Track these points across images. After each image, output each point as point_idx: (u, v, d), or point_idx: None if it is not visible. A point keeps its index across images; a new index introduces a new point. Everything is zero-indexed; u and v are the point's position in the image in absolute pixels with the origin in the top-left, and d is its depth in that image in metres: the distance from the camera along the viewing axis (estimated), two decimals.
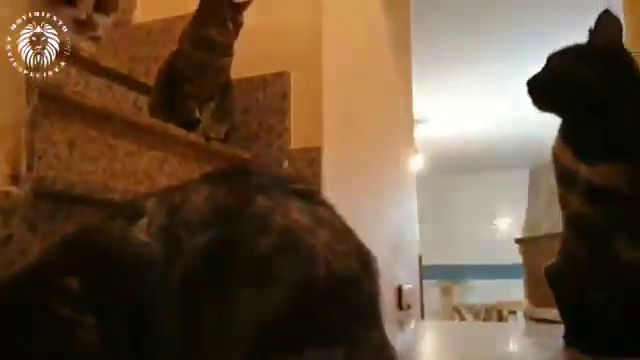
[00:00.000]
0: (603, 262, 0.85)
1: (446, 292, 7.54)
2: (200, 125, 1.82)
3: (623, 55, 0.87)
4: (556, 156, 0.91)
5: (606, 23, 0.87)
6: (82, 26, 1.53)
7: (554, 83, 0.87)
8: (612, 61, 0.86)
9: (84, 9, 1.50)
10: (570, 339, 0.94)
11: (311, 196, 0.88)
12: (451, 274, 7.52)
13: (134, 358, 0.78)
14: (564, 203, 0.89)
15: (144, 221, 0.82)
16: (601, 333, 0.85)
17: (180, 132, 1.72)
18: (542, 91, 0.89)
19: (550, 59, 0.90)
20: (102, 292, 0.76)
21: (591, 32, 0.88)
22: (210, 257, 0.77)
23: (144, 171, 1.60)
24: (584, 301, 0.89)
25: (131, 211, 0.85)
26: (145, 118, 1.65)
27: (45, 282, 0.74)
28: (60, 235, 0.91)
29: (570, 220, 0.89)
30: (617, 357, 0.79)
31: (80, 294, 0.74)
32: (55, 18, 1.45)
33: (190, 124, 1.79)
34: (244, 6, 1.81)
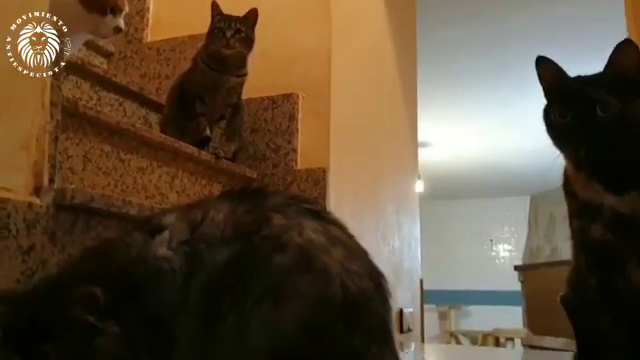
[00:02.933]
0: (616, 288, 0.87)
1: (443, 317, 7.53)
2: (210, 143, 1.85)
3: None
4: (574, 191, 0.93)
5: (624, 50, 0.89)
6: (119, 34, 1.58)
7: (584, 119, 0.88)
8: (633, 89, 0.87)
9: (124, 18, 1.55)
10: None
11: (324, 215, 0.91)
12: (449, 299, 7.51)
13: None
14: (582, 234, 0.91)
15: (165, 235, 0.84)
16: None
17: (191, 150, 1.75)
18: (568, 127, 0.90)
19: (568, 92, 0.92)
20: (125, 302, 0.78)
21: (610, 61, 0.90)
22: (229, 273, 0.79)
23: (155, 187, 1.63)
24: (595, 328, 0.91)
25: (151, 225, 0.87)
26: (157, 135, 1.68)
27: (70, 291, 0.76)
28: (81, 247, 0.94)
29: (587, 248, 0.91)
30: None
31: (104, 303, 0.76)
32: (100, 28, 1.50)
33: (201, 142, 1.82)
34: (251, 20, 1.83)
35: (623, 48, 0.89)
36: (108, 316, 0.77)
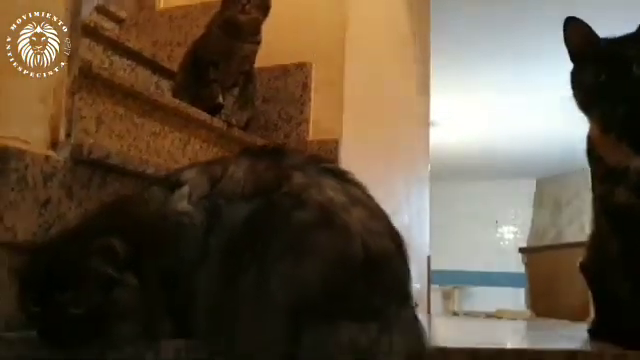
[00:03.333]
0: (637, 252, 0.86)
1: (447, 297, 7.55)
2: (223, 111, 1.83)
3: None
4: (599, 155, 0.91)
5: None
6: None
7: (620, 78, 0.86)
8: None
9: None
10: (597, 332, 0.95)
11: (344, 176, 0.90)
12: (453, 279, 7.52)
13: (172, 319, 0.79)
14: (607, 198, 0.90)
15: (185, 190, 0.83)
16: (630, 325, 0.85)
17: (204, 116, 1.73)
18: (600, 87, 0.88)
19: (603, 52, 0.89)
20: (144, 256, 0.78)
21: None
22: (249, 228, 0.79)
23: (168, 152, 1.61)
24: (614, 294, 0.90)
25: (171, 181, 0.86)
26: (171, 99, 1.66)
27: (89, 243, 0.75)
28: (97, 203, 0.93)
29: (612, 212, 0.90)
30: None
31: (123, 256, 0.75)
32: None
33: (213, 109, 1.80)
34: None
35: None
36: (126, 268, 0.76)
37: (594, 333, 0.95)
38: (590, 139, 0.95)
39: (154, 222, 0.81)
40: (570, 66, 0.95)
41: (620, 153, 0.88)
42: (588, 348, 0.83)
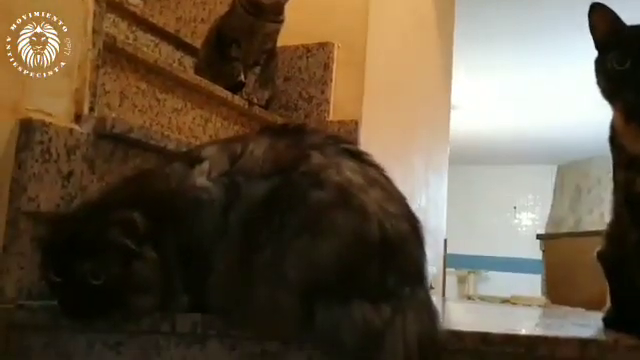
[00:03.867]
0: None
1: (462, 281, 7.55)
2: (244, 89, 1.84)
3: None
4: (621, 143, 0.90)
5: None
6: None
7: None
8: None
9: None
10: (611, 321, 0.94)
11: (362, 157, 0.90)
12: (469, 264, 7.51)
13: (189, 294, 0.81)
14: (627, 186, 0.89)
15: (204, 166, 0.84)
16: None
17: (225, 94, 1.74)
18: (625, 74, 0.87)
19: (630, 39, 0.88)
20: (163, 230, 0.79)
21: None
22: (267, 206, 0.79)
23: (189, 128, 1.63)
24: (630, 283, 0.89)
25: (191, 157, 0.87)
26: (193, 76, 1.67)
27: (109, 215, 0.77)
28: (120, 175, 0.94)
29: (632, 201, 0.89)
30: None
31: (142, 229, 0.77)
32: None
33: (235, 87, 1.81)
34: None
35: None
36: (146, 241, 0.78)
37: (609, 322, 0.94)
38: (613, 127, 0.94)
39: (174, 197, 0.82)
40: (595, 52, 0.94)
41: None
42: (602, 337, 0.83)
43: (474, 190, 7.94)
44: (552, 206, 7.63)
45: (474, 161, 7.72)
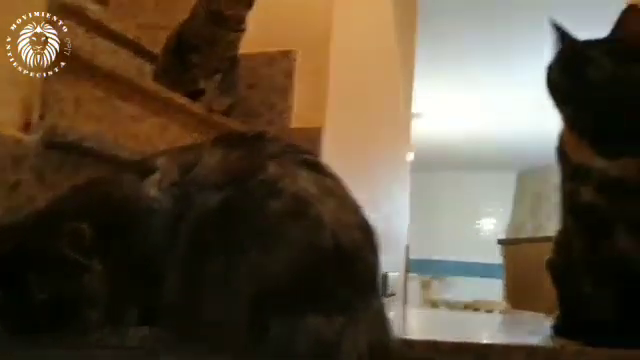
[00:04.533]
0: (602, 251, 0.88)
1: (425, 286, 7.62)
2: (204, 96, 1.82)
3: None
4: (566, 153, 0.93)
5: (631, 17, 0.89)
6: None
7: (577, 78, 0.89)
8: (635, 57, 0.88)
9: None
10: (559, 328, 0.97)
11: (319, 167, 0.90)
12: (432, 269, 7.59)
13: (139, 306, 0.80)
14: (572, 196, 0.91)
15: (156, 176, 0.83)
16: (590, 323, 0.87)
17: (184, 101, 1.73)
18: (562, 86, 0.90)
19: (569, 52, 0.92)
20: (112, 241, 0.78)
21: (614, 27, 0.90)
22: (220, 216, 0.79)
23: (146, 136, 1.60)
24: (577, 290, 0.92)
25: (142, 167, 0.86)
26: (151, 83, 1.65)
27: (57, 225, 0.75)
28: (70, 185, 0.92)
29: (577, 210, 0.92)
30: (603, 346, 0.82)
31: (90, 240, 0.75)
32: None
33: (194, 94, 1.79)
34: None
35: (626, 13, 0.89)
36: (94, 253, 0.76)
37: (558, 329, 0.97)
38: (561, 136, 0.96)
39: (124, 208, 0.81)
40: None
41: (584, 152, 0.90)
42: (550, 344, 0.85)
43: (437, 196, 8.03)
44: (512, 212, 7.77)
45: (438, 168, 7.82)
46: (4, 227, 0.82)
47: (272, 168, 0.83)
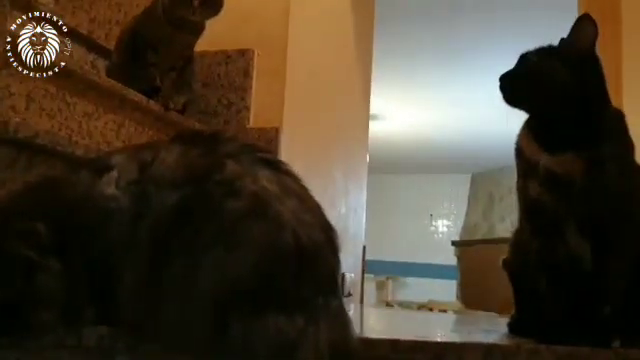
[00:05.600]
0: (552, 248, 0.90)
1: (381, 287, 7.69)
2: (160, 94, 1.80)
3: (595, 58, 0.93)
4: (521, 149, 0.96)
5: (584, 26, 0.92)
6: None
7: (529, 79, 0.92)
8: (585, 63, 0.92)
9: None
10: (515, 326, 0.99)
11: (278, 166, 0.89)
12: (387, 270, 7.67)
13: (96, 306, 0.78)
14: (523, 193, 0.94)
15: (113, 174, 0.81)
16: (544, 320, 0.90)
17: (140, 98, 1.70)
18: (516, 87, 0.94)
19: (525, 57, 0.95)
20: (69, 240, 0.76)
21: (569, 34, 0.93)
22: (179, 215, 0.77)
23: (101, 134, 1.57)
24: (532, 289, 0.94)
25: (99, 165, 0.84)
26: (105, 79, 1.62)
27: (11, 225, 0.73)
28: (23, 182, 0.89)
29: (527, 207, 0.94)
30: (556, 343, 0.84)
31: (46, 240, 0.73)
32: None
33: (151, 91, 1.76)
34: None
35: (583, 23, 0.93)
36: (50, 253, 0.74)
37: (513, 327, 0.99)
38: (519, 133, 0.99)
39: (80, 206, 0.79)
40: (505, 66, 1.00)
41: (532, 148, 0.93)
42: (506, 342, 0.87)
43: (393, 198, 8.12)
44: (466, 213, 7.91)
45: (394, 170, 7.91)
46: None
47: (231, 166, 0.82)
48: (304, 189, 0.89)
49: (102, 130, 1.58)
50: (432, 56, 4.74)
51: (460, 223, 7.92)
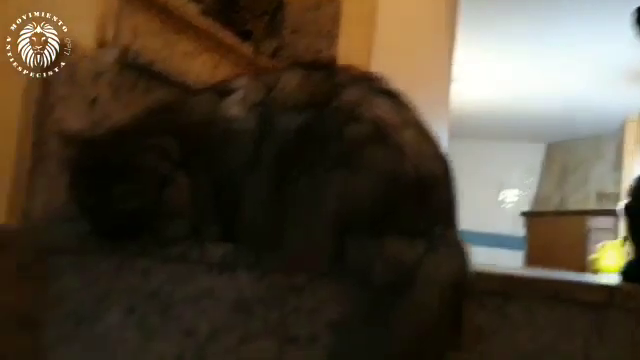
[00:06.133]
0: None
1: None
2: (252, 38, 1.80)
3: None
4: None
5: None
6: None
7: None
8: None
9: None
10: (630, 274, 0.95)
11: (396, 96, 0.88)
12: None
13: (220, 223, 0.80)
14: None
15: (238, 95, 0.82)
16: None
17: (234, 40, 1.70)
18: None
19: None
20: (196, 157, 0.77)
21: None
22: (302, 138, 0.78)
23: (197, 72, 1.59)
24: None
25: (223, 87, 0.85)
26: (205, 21, 1.63)
27: (143, 140, 0.75)
28: (150, 102, 0.92)
29: None
30: None
31: (176, 154, 0.75)
32: None
33: (242, 35, 1.77)
34: None
35: None
36: (179, 168, 0.76)
37: (627, 275, 0.96)
38: None
39: (206, 126, 0.80)
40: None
41: None
42: (627, 286, 0.84)
43: (461, 165, 7.96)
44: (538, 184, 7.69)
45: (463, 135, 7.73)
46: (91, 140, 0.81)
47: (352, 93, 0.82)
48: (420, 120, 0.88)
49: (199, 69, 1.60)
50: (512, 20, 4.55)
51: (530, 194, 7.71)
